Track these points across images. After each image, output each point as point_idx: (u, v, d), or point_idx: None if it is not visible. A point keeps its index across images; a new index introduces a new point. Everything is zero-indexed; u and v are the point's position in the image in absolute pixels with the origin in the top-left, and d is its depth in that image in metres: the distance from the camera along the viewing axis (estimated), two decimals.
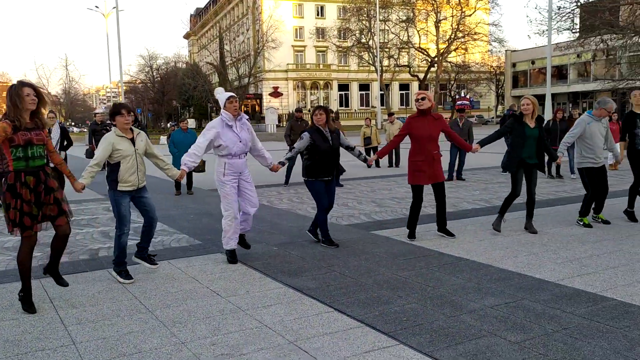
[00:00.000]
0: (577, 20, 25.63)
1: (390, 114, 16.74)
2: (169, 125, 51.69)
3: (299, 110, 12.56)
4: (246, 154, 5.85)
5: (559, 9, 22.71)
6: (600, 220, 7.49)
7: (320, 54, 65.82)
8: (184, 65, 74.38)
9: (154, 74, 74.29)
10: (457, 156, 12.70)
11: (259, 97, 64.14)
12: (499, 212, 7.11)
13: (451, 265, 5.57)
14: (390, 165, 16.35)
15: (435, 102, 55.51)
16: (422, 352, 3.55)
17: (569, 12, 22.73)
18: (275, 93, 61.67)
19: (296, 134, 12.10)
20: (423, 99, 6.52)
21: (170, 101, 70.86)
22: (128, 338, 3.87)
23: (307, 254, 6.11)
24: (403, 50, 55.91)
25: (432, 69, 54.95)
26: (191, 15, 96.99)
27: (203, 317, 4.25)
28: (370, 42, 51.85)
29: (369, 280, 5.10)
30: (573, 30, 24.20)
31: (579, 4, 22.62)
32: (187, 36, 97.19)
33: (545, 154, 7.12)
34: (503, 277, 5.13)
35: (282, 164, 6.30)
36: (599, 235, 6.73)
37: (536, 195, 7.23)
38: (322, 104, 12.50)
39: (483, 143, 6.89)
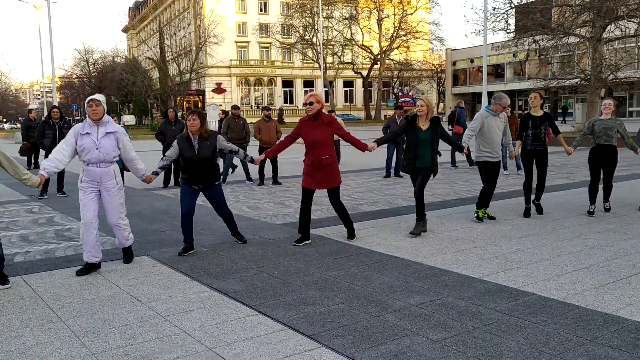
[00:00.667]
0: (512, 21, 26.51)
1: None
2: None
3: (235, 107, 12.34)
4: (109, 163, 5.42)
5: (494, 10, 23.43)
6: (486, 215, 7.62)
7: (264, 50, 65.33)
8: (123, 60, 72.06)
9: (91, 68, 71.63)
10: (395, 153, 12.82)
11: (201, 93, 63.01)
12: (418, 215, 6.83)
13: (381, 263, 5.57)
14: None
15: (379, 99, 56.62)
16: (344, 355, 3.50)
17: (504, 13, 23.48)
18: (219, 89, 60.78)
19: (233, 132, 11.90)
20: (311, 103, 6.18)
21: (108, 97, 68.49)
22: (34, 351, 3.63)
23: (237, 255, 5.97)
24: (346, 47, 56.28)
25: (375, 66, 55.61)
26: (130, 9, 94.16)
27: (119, 326, 4.04)
28: (314, 39, 51.89)
29: (298, 281, 5.02)
30: (508, 31, 24.98)
31: (512, 5, 23.37)
32: (125, 30, 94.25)
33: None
34: (431, 274, 5.16)
35: (155, 174, 5.99)
36: (525, 231, 6.91)
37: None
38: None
39: (380, 142, 6.71)
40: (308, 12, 51.18)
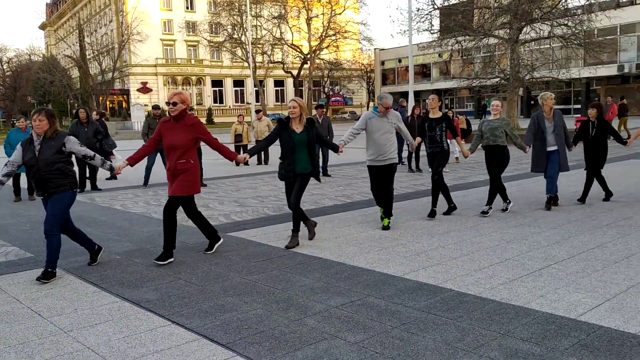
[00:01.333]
0: (436, 22, 27.26)
1: (258, 111, 16.52)
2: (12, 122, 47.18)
3: (156, 107, 11.89)
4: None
5: (418, 11, 23.99)
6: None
7: (192, 48, 63.88)
8: (40, 58, 68.35)
9: (5, 67, 67.50)
10: (320, 152, 12.79)
11: (125, 92, 60.83)
12: (303, 222, 6.44)
13: (304, 265, 5.47)
14: (260, 163, 16.15)
15: (310, 99, 56.73)
16: None
17: (427, 14, 24.08)
18: (144, 89, 58.86)
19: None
20: (175, 103, 5.62)
21: (24, 97, 64.82)
22: None
23: (154, 262, 5.69)
24: (276, 46, 56.04)
25: (306, 65, 55.70)
26: (47, 4, 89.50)
27: (16, 344, 3.71)
28: (243, 38, 51.26)
29: (216, 287, 4.83)
30: (432, 31, 25.65)
31: (435, 6, 24.01)
32: (42, 27, 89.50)
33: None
34: (353, 274, 5.12)
35: (0, 183, 5.18)
36: (447, 227, 7.03)
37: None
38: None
39: (252, 153, 6.38)
40: (236, 10, 50.49)
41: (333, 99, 67.41)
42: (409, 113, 14.02)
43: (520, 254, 5.64)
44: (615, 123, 19.57)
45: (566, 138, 8.03)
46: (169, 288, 4.84)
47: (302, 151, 6.15)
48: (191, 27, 58.63)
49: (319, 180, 6.53)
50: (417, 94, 56.34)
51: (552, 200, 8.07)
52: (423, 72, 54.93)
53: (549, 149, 7.92)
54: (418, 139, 7.67)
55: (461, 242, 6.23)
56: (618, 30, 37.14)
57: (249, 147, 15.94)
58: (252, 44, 45.46)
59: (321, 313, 4.16)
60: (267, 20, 52.60)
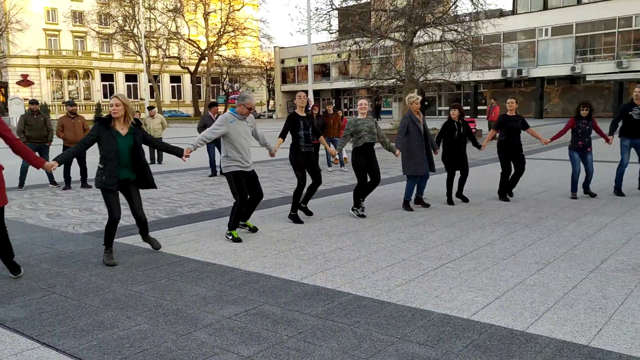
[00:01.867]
0: (335, 22, 27.54)
1: (150, 108, 15.70)
2: None
3: (34, 102, 10.83)
4: None
5: (316, 10, 24.09)
6: (247, 228, 6.80)
7: (79, 40, 59.86)
8: None
9: None
10: (215, 150, 12.33)
11: (3, 85, 55.90)
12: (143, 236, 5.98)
13: (196, 272, 5.14)
14: (153, 162, 15.34)
15: (209, 96, 55.35)
16: None
17: (326, 14, 24.24)
18: (25, 82, 54.37)
19: (32, 130, 10.47)
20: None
21: None
22: None
23: (26, 274, 5.09)
24: (172, 41, 54.05)
25: (203, 61, 54.29)
26: None
27: None
28: (135, 30, 48.91)
29: (96, 301, 4.38)
30: (330, 31, 25.86)
31: (333, 7, 24.24)
32: None
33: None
34: (248, 280, 4.87)
35: None
36: (345, 228, 6.98)
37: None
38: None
39: (60, 161, 5.28)
40: (127, 1, 48.05)
41: (232, 96, 66.36)
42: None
43: (416, 253, 5.68)
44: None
45: (430, 140, 8.12)
46: (40, 304, 4.32)
47: (126, 156, 5.42)
48: (78, 17, 55.01)
49: (154, 187, 5.72)
50: (317, 92, 57.12)
51: (410, 203, 8.17)
52: (323, 71, 55.57)
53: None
54: (280, 141, 7.23)
55: (359, 242, 6.19)
56: (501, 37, 39.77)
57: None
58: (145, 37, 43.53)
59: (213, 325, 3.88)
60: (161, 13, 50.55)
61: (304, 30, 27.05)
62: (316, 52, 32.17)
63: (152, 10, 50.31)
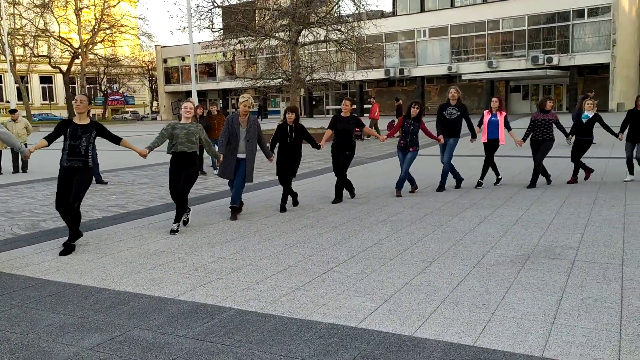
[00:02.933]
0: (218, 20, 26.83)
1: (13, 111, 14.16)
2: None
3: None
4: None
5: (197, 7, 23.25)
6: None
7: None
8: None
9: None
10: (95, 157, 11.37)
11: None
12: None
13: (56, 296, 4.52)
14: (16, 171, 13.81)
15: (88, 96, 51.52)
16: None
17: (207, 11, 23.50)
18: None
19: None
20: None
21: None
22: None
23: None
24: (40, 38, 49.82)
25: (77, 60, 50.64)
26: None
27: None
28: None
29: None
30: (213, 30, 25.12)
31: (215, 4, 23.56)
32: None
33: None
34: (117, 302, 4.35)
35: None
36: (230, 235, 6.59)
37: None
38: None
39: None
40: None
41: (112, 97, 62.83)
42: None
43: (303, 258, 5.45)
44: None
45: (263, 146, 7.63)
46: None
47: None
48: None
49: None
50: (203, 93, 55.70)
51: (235, 211, 7.49)
52: (208, 71, 54.26)
53: (239, 156, 7.38)
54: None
55: (244, 250, 5.85)
56: (384, 38, 41.17)
57: (3, 153, 13.62)
58: (8, 34, 39.76)
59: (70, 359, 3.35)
60: (27, 9, 46.40)
61: (184, 28, 26.05)
62: (200, 51, 31.13)
63: (16, 6, 46.07)
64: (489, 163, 9.52)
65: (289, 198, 8.12)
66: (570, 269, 4.86)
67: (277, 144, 7.98)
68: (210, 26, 23.73)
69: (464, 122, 9.18)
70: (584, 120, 9.55)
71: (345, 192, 8.76)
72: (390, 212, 7.65)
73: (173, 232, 6.66)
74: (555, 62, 35.42)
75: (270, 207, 8.24)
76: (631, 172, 9.61)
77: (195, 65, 55.09)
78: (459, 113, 9.11)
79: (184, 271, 5.14)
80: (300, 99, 30.66)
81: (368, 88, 46.64)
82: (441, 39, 40.88)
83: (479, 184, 9.44)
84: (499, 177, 9.66)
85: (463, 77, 39.70)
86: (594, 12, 34.91)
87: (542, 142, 9.20)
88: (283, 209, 7.89)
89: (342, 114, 8.51)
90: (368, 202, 8.40)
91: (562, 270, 4.84)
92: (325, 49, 28.71)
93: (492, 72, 38.37)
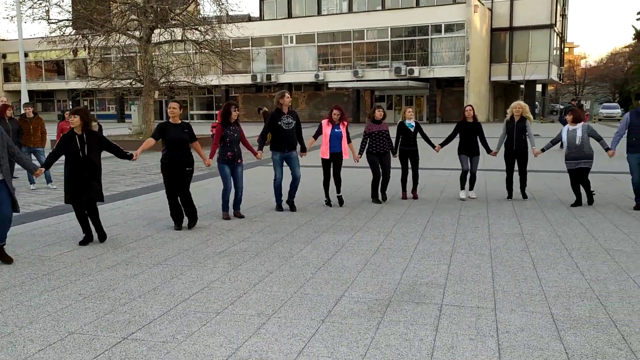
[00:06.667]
0: (56, 10, 23.75)
1: None
2: None
3: None
4: None
5: None
6: None
7: None
8: None
9: None
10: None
11: None
12: None
13: None
14: None
15: None
16: None
17: (41, 0, 20.47)
18: None
19: None
20: None
21: None
22: None
23: None
24: None
25: None
26: None
27: None
28: None
29: None
30: (50, 22, 22.06)
31: None
32: None
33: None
34: None
35: None
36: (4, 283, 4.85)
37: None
38: None
39: None
40: None
41: None
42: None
43: (95, 319, 3.95)
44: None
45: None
46: None
47: None
48: None
49: None
50: (51, 93, 50.47)
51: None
52: (58, 69, 49.22)
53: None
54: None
55: (16, 307, 4.19)
56: (250, 42, 39.87)
57: None
58: None
59: None
60: None
61: (12, 18, 22.69)
62: (46, 47, 27.42)
63: None
64: (336, 180, 8.42)
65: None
66: (438, 319, 3.91)
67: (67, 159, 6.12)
68: (47, 17, 20.77)
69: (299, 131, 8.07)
70: (411, 129, 8.83)
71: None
72: (233, 239, 6.34)
73: None
74: (416, 73, 36.53)
75: (72, 237, 6.44)
76: (463, 187, 8.99)
77: (40, 62, 49.79)
78: (294, 121, 7.92)
79: None
80: (155, 102, 27.93)
81: (235, 93, 45.06)
82: (308, 46, 40.54)
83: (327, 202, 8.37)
84: (339, 194, 8.46)
85: (330, 86, 39.67)
86: (450, 28, 36.59)
87: (384, 154, 8.54)
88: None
89: (170, 120, 6.96)
90: (209, 227, 7.02)
91: (428, 321, 3.87)
92: (183, 50, 26.84)
93: (357, 81, 38.74)
